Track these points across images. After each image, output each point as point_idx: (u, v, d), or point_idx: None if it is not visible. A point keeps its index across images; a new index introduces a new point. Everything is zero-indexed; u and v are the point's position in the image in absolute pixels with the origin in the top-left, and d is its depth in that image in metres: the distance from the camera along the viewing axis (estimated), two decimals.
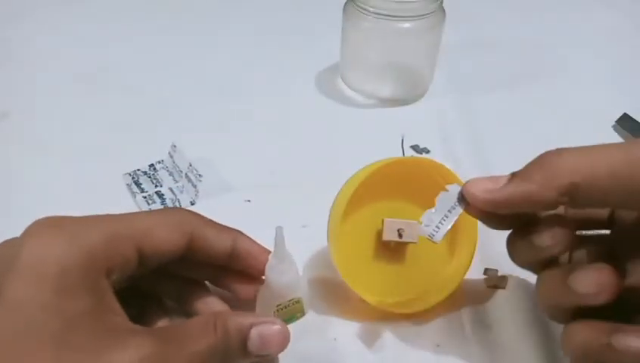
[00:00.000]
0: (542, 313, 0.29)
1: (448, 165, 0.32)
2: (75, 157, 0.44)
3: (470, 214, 0.28)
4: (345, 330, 0.33)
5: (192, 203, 0.40)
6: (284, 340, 0.27)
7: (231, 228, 0.30)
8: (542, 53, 0.60)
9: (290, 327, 0.32)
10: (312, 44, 0.58)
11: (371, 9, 0.47)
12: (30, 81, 0.53)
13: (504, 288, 0.35)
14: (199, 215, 0.29)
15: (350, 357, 0.31)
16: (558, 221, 0.26)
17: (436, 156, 0.45)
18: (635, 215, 0.27)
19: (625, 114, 0.49)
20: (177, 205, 0.40)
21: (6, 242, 0.25)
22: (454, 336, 0.33)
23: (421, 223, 0.28)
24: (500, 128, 0.49)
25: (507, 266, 0.36)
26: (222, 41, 0.60)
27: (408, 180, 0.33)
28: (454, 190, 0.28)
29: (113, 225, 0.25)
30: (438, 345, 0.32)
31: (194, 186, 0.40)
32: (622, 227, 0.28)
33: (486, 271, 0.36)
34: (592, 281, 0.24)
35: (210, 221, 0.29)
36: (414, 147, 0.46)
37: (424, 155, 0.46)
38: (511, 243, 0.29)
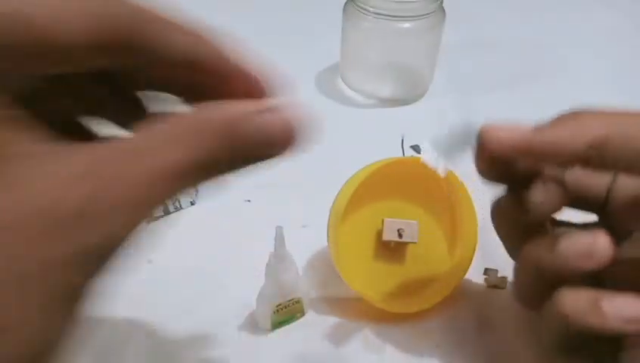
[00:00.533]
0: (517, 294, 0.28)
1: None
2: None
3: (478, 156, 0.26)
4: (345, 331, 0.33)
5: (192, 203, 0.40)
6: (290, 130, 0.18)
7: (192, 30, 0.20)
8: (542, 53, 0.60)
9: (290, 327, 0.33)
10: (312, 44, 0.58)
11: (371, 9, 0.47)
12: None
13: (504, 288, 0.35)
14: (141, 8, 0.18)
15: (350, 357, 0.31)
16: (556, 180, 0.25)
17: None
18: (632, 195, 0.27)
19: None
20: (177, 205, 0.40)
21: None
22: (454, 336, 0.33)
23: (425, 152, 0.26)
24: None
25: (507, 266, 0.36)
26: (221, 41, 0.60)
27: (408, 180, 0.33)
28: (468, 126, 0.26)
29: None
30: (438, 346, 0.32)
31: None
32: (614, 208, 0.28)
33: (486, 271, 0.36)
34: (586, 243, 0.24)
35: (160, 15, 0.18)
36: (414, 147, 0.46)
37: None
38: (500, 204, 0.28)
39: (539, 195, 0.25)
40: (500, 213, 0.28)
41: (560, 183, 0.26)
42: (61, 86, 0.18)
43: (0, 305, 0.14)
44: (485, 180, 0.27)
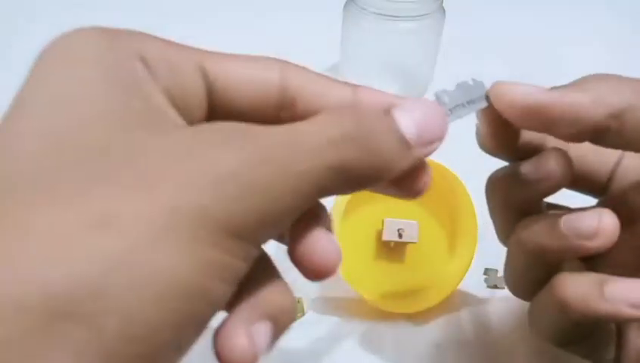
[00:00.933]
0: (508, 282, 0.27)
1: (448, 166, 0.32)
2: None
3: (483, 118, 0.24)
4: (345, 330, 0.33)
5: None
6: (443, 118, 0.19)
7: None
8: (542, 53, 0.60)
9: (290, 327, 0.33)
10: (312, 45, 0.58)
11: (371, 9, 0.47)
12: None
13: (504, 288, 0.35)
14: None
15: (350, 357, 0.31)
16: (560, 153, 0.23)
17: (435, 156, 0.45)
18: (634, 184, 0.25)
19: None
20: None
21: None
22: (454, 336, 0.33)
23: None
24: None
25: None
26: (222, 41, 0.60)
27: None
28: (479, 83, 0.25)
29: (174, 43, 0.18)
30: (438, 346, 0.32)
31: None
32: (616, 190, 0.26)
33: (486, 271, 0.36)
34: (592, 221, 0.22)
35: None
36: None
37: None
38: (497, 176, 0.25)
39: (542, 167, 0.23)
40: (495, 187, 0.25)
41: (566, 158, 0.23)
42: None
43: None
44: (486, 149, 0.25)
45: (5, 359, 0.12)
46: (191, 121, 0.17)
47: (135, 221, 0.13)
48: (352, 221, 0.32)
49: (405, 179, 0.19)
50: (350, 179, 0.16)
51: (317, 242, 0.17)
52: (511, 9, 0.68)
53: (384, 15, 0.47)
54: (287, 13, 0.66)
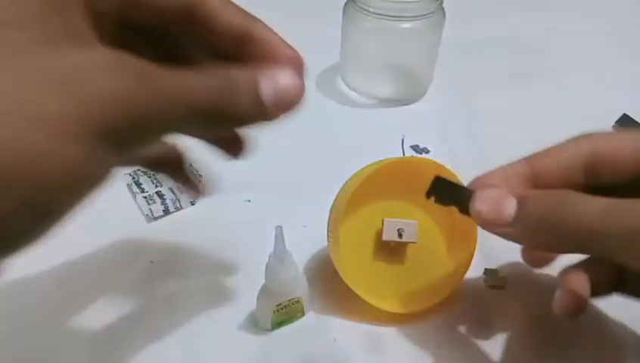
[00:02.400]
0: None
1: (448, 166, 0.32)
2: None
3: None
4: (345, 331, 0.33)
5: (192, 204, 0.40)
6: (300, 89, 0.22)
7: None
8: (542, 53, 0.60)
9: (290, 327, 0.33)
10: (312, 44, 0.58)
11: (371, 9, 0.47)
12: None
13: (504, 288, 0.35)
14: None
15: (350, 357, 0.31)
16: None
17: (436, 156, 0.45)
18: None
19: (625, 115, 0.49)
20: (177, 205, 0.40)
21: None
22: (454, 336, 0.33)
23: None
24: (500, 129, 0.49)
25: (507, 266, 0.36)
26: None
27: (408, 180, 0.33)
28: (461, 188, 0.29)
29: None
30: (438, 346, 0.32)
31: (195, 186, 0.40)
32: (632, 284, 0.30)
33: (486, 271, 0.36)
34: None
35: None
36: (414, 147, 0.46)
37: (423, 155, 0.46)
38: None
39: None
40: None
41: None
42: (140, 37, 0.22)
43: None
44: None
45: None
46: (104, 18, 0.21)
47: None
48: (352, 221, 0.32)
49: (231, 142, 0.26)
50: (207, 116, 0.20)
51: None
52: (510, 9, 0.68)
53: (384, 15, 0.47)
54: (287, 13, 0.66)
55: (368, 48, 0.50)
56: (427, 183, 0.33)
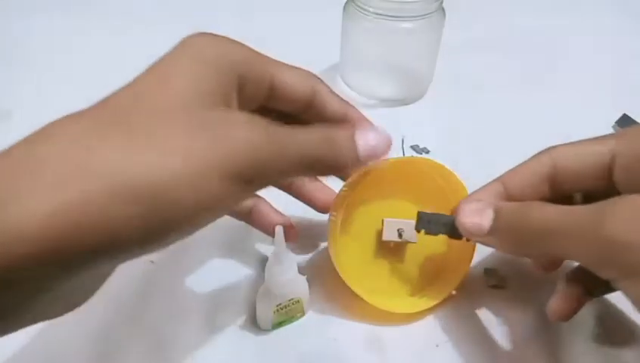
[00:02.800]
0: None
1: (448, 165, 0.32)
2: None
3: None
4: (345, 331, 0.33)
5: None
6: (386, 142, 0.27)
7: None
8: (543, 53, 0.60)
9: (290, 327, 0.33)
10: (312, 44, 0.58)
11: (371, 9, 0.47)
12: (33, 80, 0.53)
13: (504, 288, 0.35)
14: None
15: (350, 357, 0.31)
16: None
17: (436, 156, 0.45)
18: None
19: (625, 115, 0.49)
20: None
21: None
22: (454, 336, 0.33)
23: None
24: (500, 128, 0.49)
25: (507, 266, 0.36)
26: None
27: (408, 180, 0.33)
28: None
29: (252, 50, 0.27)
30: (438, 346, 0.32)
31: None
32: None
33: (486, 271, 0.36)
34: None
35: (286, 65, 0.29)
36: (414, 147, 0.46)
37: (423, 155, 0.46)
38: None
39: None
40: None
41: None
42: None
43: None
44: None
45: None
46: (251, 102, 0.27)
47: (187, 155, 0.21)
48: (353, 221, 0.32)
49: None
50: (314, 164, 0.25)
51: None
52: (511, 9, 0.68)
53: (384, 15, 0.47)
54: (287, 13, 0.66)
55: (368, 47, 0.50)
56: (427, 183, 0.33)
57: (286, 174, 0.25)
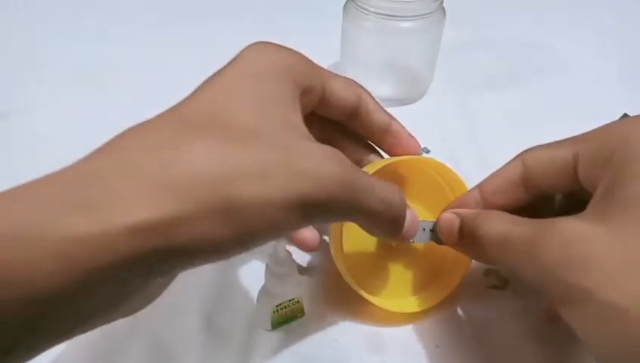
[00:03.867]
0: None
1: (448, 165, 0.32)
2: (74, 158, 0.44)
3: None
4: (345, 331, 0.33)
5: None
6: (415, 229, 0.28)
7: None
8: (542, 53, 0.60)
9: (290, 327, 0.33)
10: (312, 44, 0.58)
11: (371, 9, 0.47)
12: (29, 81, 0.53)
13: (504, 289, 0.35)
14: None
15: (351, 357, 0.31)
16: None
17: (435, 156, 0.45)
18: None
19: (625, 115, 0.49)
20: None
21: None
22: (454, 337, 0.33)
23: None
24: (500, 128, 0.49)
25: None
26: (222, 41, 0.60)
27: (408, 180, 0.33)
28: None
29: (307, 59, 0.28)
30: (438, 346, 0.32)
31: None
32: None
33: (487, 271, 0.36)
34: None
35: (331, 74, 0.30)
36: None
37: (424, 155, 0.46)
38: None
39: None
40: None
41: None
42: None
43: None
44: None
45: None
46: (305, 110, 0.27)
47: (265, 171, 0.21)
48: None
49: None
50: (369, 215, 0.25)
51: None
52: (511, 9, 0.68)
53: (384, 15, 0.47)
54: (287, 13, 0.66)
55: (368, 47, 0.50)
56: (428, 183, 0.33)
57: (346, 213, 0.25)
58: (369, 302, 0.32)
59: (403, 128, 0.32)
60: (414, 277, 0.34)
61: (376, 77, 0.52)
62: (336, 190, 0.22)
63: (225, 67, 0.25)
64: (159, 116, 0.23)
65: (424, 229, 0.31)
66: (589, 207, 0.25)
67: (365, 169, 0.32)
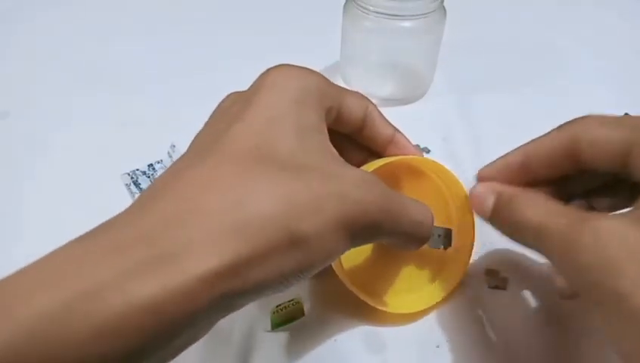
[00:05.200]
0: None
1: (448, 166, 0.32)
2: (74, 157, 0.44)
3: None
4: (345, 331, 0.33)
5: None
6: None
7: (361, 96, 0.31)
8: (542, 53, 0.60)
9: (290, 327, 0.33)
10: (312, 44, 0.58)
11: (371, 8, 0.47)
12: (29, 80, 0.53)
13: (505, 289, 0.35)
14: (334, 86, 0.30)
15: (350, 358, 0.31)
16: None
17: (436, 156, 0.45)
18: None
19: (625, 115, 0.49)
20: None
21: None
22: (454, 337, 0.33)
23: None
24: (500, 128, 0.48)
25: (508, 267, 0.36)
26: (222, 40, 0.60)
27: (407, 180, 0.33)
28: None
29: (326, 78, 0.28)
30: (438, 346, 0.32)
31: None
32: None
33: (487, 271, 0.36)
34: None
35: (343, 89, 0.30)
36: (415, 147, 0.46)
37: (424, 155, 0.45)
38: None
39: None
40: None
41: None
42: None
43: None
44: None
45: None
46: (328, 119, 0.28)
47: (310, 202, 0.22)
48: None
49: None
50: (404, 236, 0.27)
51: None
52: (511, 9, 0.68)
53: (384, 15, 0.47)
54: (287, 13, 0.66)
55: (368, 47, 0.50)
56: (425, 183, 0.33)
57: (386, 240, 0.26)
58: (369, 302, 0.32)
59: (407, 139, 0.33)
60: (414, 277, 0.34)
61: (376, 77, 0.52)
62: (377, 214, 0.24)
63: (255, 94, 0.25)
64: (205, 152, 0.23)
65: (438, 235, 0.31)
66: (635, 208, 0.24)
67: (363, 167, 0.32)
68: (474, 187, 0.31)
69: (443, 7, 0.49)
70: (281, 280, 0.22)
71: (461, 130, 0.49)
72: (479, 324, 0.33)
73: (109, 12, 0.65)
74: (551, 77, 0.57)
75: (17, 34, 0.60)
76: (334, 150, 0.26)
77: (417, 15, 0.47)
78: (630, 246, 0.22)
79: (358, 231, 0.23)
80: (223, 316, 0.22)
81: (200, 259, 0.19)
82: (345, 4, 0.50)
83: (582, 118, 0.29)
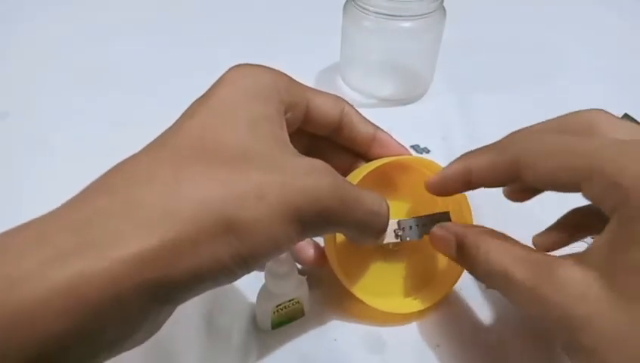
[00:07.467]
0: None
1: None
2: (74, 157, 0.44)
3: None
4: (345, 331, 0.33)
5: None
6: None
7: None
8: (542, 53, 0.60)
9: (290, 327, 0.33)
10: (312, 44, 0.58)
11: (371, 8, 0.47)
12: (30, 80, 0.53)
13: None
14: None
15: (350, 358, 0.31)
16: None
17: (436, 155, 0.45)
18: None
19: (625, 115, 0.49)
20: None
21: None
22: (454, 336, 0.33)
23: None
24: (500, 128, 0.48)
25: None
26: (223, 40, 0.60)
27: (407, 180, 0.33)
28: None
29: (289, 77, 0.28)
30: (438, 346, 0.32)
31: None
32: None
33: None
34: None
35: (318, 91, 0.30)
36: (414, 147, 0.46)
37: (424, 155, 0.46)
38: None
39: None
40: None
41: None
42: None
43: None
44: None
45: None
46: (292, 118, 0.28)
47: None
48: None
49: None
50: (367, 229, 0.27)
51: None
52: (511, 9, 0.68)
53: (384, 15, 0.47)
54: (287, 13, 0.66)
55: (368, 47, 0.50)
56: (417, 181, 0.32)
57: (343, 231, 0.26)
58: (368, 303, 0.32)
59: (390, 136, 0.33)
60: (414, 277, 0.34)
61: (376, 77, 0.52)
62: (328, 202, 0.23)
63: (210, 91, 0.25)
64: (150, 147, 0.24)
65: (417, 226, 0.31)
66: (596, 246, 0.23)
67: (355, 172, 0.32)
68: (434, 231, 0.30)
69: (443, 7, 0.49)
70: (220, 268, 0.21)
71: (460, 130, 0.49)
72: (478, 324, 0.33)
73: (109, 12, 0.65)
74: (551, 77, 0.57)
75: (17, 34, 0.60)
76: (287, 141, 0.26)
77: (417, 15, 0.47)
78: (595, 303, 0.22)
79: (309, 219, 0.23)
80: (161, 309, 0.21)
81: (124, 245, 0.19)
82: (345, 4, 0.50)
83: (523, 137, 0.30)
